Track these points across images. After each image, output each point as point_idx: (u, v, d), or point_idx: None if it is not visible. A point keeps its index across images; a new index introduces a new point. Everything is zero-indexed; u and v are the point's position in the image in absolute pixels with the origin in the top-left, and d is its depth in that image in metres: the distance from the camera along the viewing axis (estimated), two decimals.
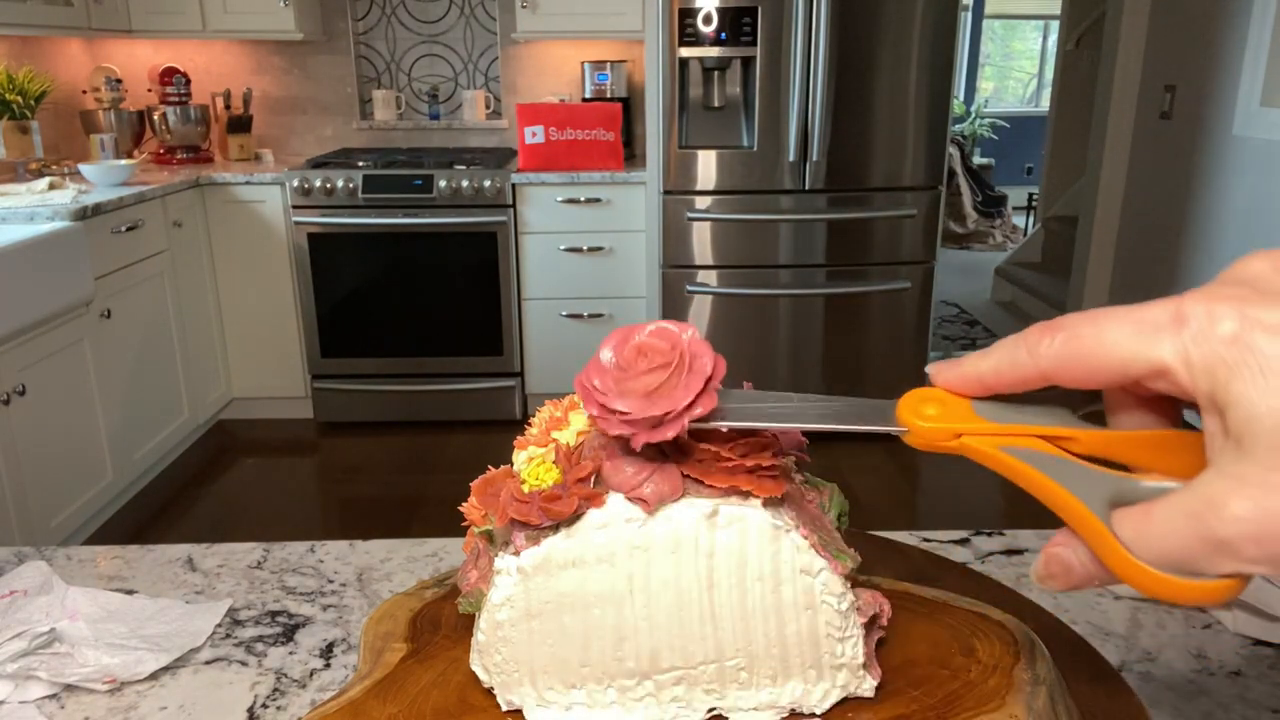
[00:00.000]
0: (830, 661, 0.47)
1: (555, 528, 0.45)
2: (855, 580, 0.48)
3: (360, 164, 3.32)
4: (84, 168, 3.06)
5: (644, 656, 0.47)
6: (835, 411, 0.36)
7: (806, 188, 3.11)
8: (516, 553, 0.45)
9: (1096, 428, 0.31)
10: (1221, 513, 0.25)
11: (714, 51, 3.01)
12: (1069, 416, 0.32)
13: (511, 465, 0.52)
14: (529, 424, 0.52)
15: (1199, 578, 0.26)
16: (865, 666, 0.48)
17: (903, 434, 0.33)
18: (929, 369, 0.33)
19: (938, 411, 0.32)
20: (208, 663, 0.65)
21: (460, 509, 0.51)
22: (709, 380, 0.41)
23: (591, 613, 0.46)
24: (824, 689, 0.48)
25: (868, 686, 0.48)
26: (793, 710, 0.48)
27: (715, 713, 0.48)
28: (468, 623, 0.52)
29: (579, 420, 0.50)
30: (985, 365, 0.31)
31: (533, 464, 0.46)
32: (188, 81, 3.67)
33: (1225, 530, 0.25)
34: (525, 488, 0.45)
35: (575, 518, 0.45)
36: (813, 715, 0.48)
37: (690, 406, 0.40)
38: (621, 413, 0.41)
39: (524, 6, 3.45)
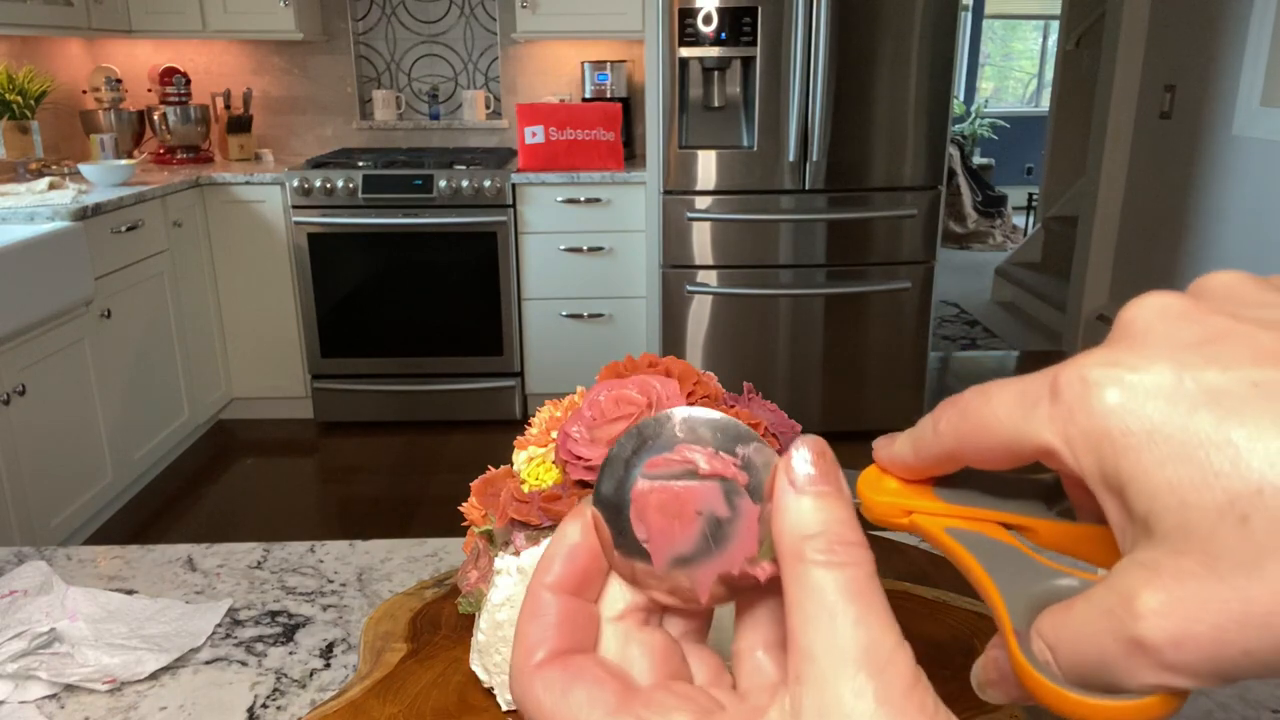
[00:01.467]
0: None
1: (555, 528, 0.45)
2: None
3: (360, 164, 3.32)
4: (84, 168, 3.06)
5: None
6: None
7: (806, 188, 3.11)
8: (516, 553, 0.46)
9: (1066, 520, 0.28)
10: (1133, 606, 0.21)
11: (714, 51, 3.01)
12: (1041, 508, 0.28)
13: (511, 465, 0.52)
14: (529, 424, 0.52)
15: (1121, 696, 0.22)
16: None
17: (856, 505, 0.32)
18: (874, 443, 0.30)
19: (896, 487, 0.29)
20: (208, 663, 0.65)
21: (460, 509, 0.52)
22: None
23: None
24: None
25: None
26: None
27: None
28: (467, 623, 0.52)
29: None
30: (906, 446, 0.28)
31: (533, 464, 0.46)
32: (188, 81, 3.67)
33: (1140, 628, 0.21)
34: (525, 488, 0.45)
35: None
36: None
37: None
38: (584, 459, 0.42)
39: (524, 6, 3.45)
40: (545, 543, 0.45)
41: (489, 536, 0.49)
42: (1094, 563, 0.26)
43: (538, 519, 0.45)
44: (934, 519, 0.28)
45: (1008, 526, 0.28)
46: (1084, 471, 0.22)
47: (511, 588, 0.46)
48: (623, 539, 0.25)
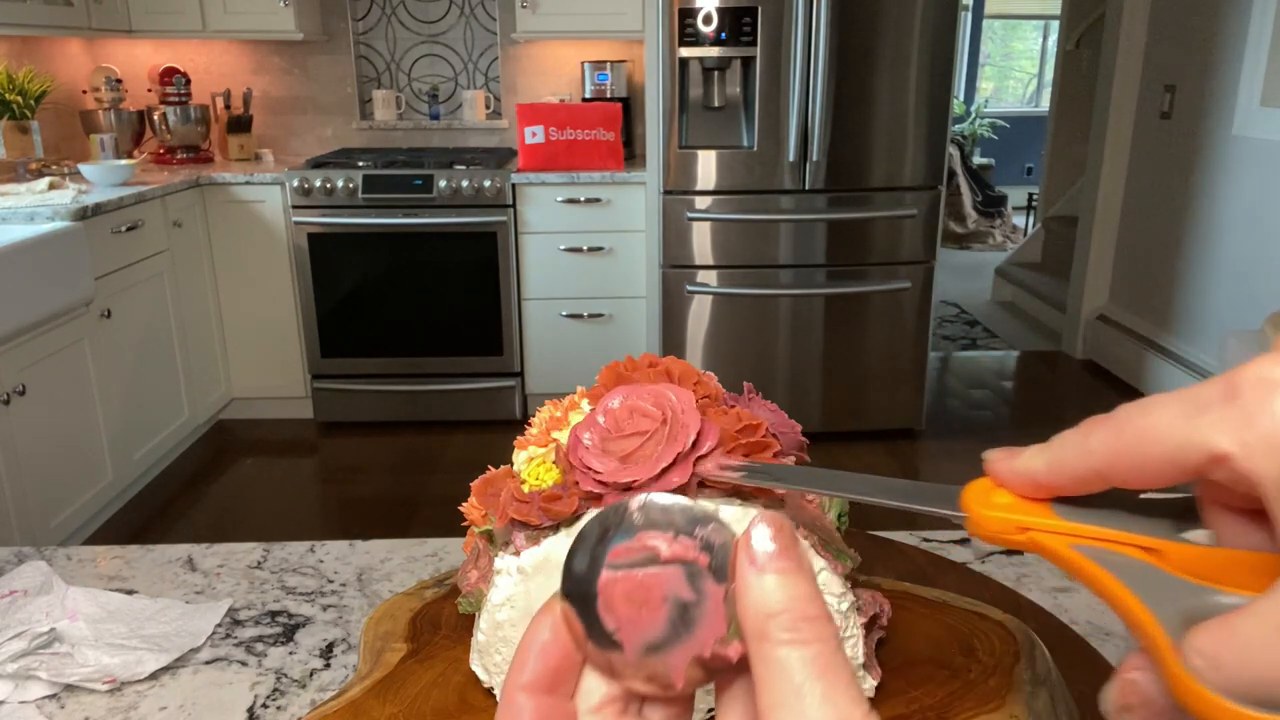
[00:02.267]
0: None
1: (556, 528, 0.45)
2: (855, 580, 0.49)
3: (360, 164, 3.32)
4: (84, 168, 3.06)
5: None
6: (891, 487, 0.34)
7: (806, 188, 3.11)
8: (517, 553, 0.46)
9: (1196, 544, 0.27)
10: None
11: (714, 51, 3.01)
12: (1168, 529, 0.27)
13: (511, 465, 0.52)
14: (529, 424, 0.52)
15: None
16: (865, 667, 0.48)
17: (962, 520, 0.30)
18: (986, 455, 0.29)
19: (1009, 502, 0.28)
20: (208, 663, 0.65)
21: (460, 509, 0.52)
22: (687, 452, 0.41)
23: None
24: None
25: (867, 687, 0.49)
26: None
27: (713, 712, 0.48)
28: (467, 623, 0.52)
29: (576, 420, 0.50)
30: (1039, 462, 0.27)
31: (533, 464, 0.46)
32: (188, 81, 3.67)
33: None
34: (525, 488, 0.45)
35: (575, 518, 0.45)
36: None
37: (662, 476, 0.41)
38: (595, 471, 0.42)
39: (524, 6, 3.45)
40: (546, 543, 0.45)
41: (489, 536, 0.49)
42: (1226, 588, 0.25)
43: (538, 519, 0.44)
44: (1056, 537, 0.28)
45: (1131, 546, 0.27)
46: (1260, 478, 0.22)
47: (512, 588, 0.46)
48: (594, 631, 0.25)
